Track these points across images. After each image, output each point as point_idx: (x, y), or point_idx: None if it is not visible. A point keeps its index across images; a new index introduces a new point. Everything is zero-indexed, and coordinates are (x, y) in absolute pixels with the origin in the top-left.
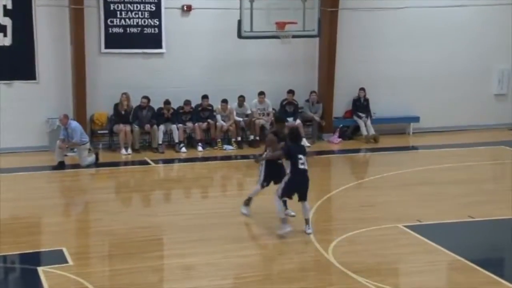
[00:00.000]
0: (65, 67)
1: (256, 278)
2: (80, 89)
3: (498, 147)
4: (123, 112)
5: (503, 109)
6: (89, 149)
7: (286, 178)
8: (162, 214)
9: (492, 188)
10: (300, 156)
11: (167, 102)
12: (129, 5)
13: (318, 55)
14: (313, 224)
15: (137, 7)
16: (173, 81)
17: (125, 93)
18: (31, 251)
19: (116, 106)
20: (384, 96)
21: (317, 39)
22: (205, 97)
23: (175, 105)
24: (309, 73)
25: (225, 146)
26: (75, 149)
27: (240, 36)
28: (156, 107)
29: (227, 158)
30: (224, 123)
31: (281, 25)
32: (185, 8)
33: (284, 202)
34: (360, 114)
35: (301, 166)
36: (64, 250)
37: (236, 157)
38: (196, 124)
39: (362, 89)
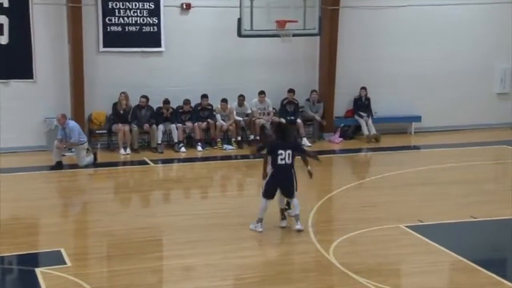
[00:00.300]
0: (62, 66)
1: (256, 279)
2: (78, 88)
3: (500, 146)
4: (121, 112)
5: (505, 108)
6: (87, 149)
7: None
8: (161, 214)
9: (494, 188)
10: (281, 151)
11: (166, 102)
12: (127, 3)
13: (319, 53)
14: (314, 224)
15: (135, 5)
16: (172, 80)
17: (123, 92)
18: (29, 252)
19: (114, 105)
20: (386, 95)
21: (317, 37)
22: (204, 96)
23: (174, 104)
24: (310, 72)
25: (225, 146)
26: (73, 149)
27: (240, 34)
28: (155, 107)
29: (227, 158)
30: (224, 123)
31: (281, 24)
32: (184, 6)
33: (288, 204)
34: (361, 113)
35: (280, 162)
36: (62, 251)
37: (236, 157)
38: (196, 123)
39: (363, 88)
